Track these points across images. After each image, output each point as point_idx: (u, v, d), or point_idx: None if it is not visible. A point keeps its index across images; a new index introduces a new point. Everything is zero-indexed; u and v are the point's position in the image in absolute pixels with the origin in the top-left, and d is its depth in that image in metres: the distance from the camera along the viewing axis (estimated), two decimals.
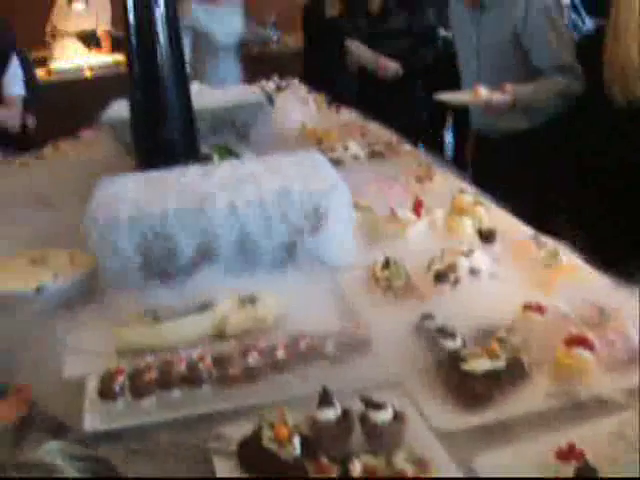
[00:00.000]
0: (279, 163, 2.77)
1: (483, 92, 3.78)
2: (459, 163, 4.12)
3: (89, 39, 8.68)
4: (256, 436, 1.66)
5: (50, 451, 1.44)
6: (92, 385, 1.97)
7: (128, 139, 3.38)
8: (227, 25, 6.54)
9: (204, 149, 3.46)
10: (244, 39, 6.76)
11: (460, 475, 1.59)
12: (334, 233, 2.54)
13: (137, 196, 2.52)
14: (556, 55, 3.85)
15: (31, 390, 1.95)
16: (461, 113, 4.49)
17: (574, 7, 4.56)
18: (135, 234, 2.38)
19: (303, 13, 6.78)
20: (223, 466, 1.68)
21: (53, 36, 8.86)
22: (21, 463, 1.40)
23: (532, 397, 1.85)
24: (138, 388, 1.90)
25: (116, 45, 8.77)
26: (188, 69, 6.34)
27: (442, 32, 5.28)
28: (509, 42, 3.95)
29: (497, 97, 3.79)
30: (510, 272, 2.44)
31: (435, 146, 4.14)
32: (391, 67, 5.15)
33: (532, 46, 3.88)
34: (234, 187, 2.50)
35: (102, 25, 8.72)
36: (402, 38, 5.14)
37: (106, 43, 8.76)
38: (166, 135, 3.15)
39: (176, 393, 1.92)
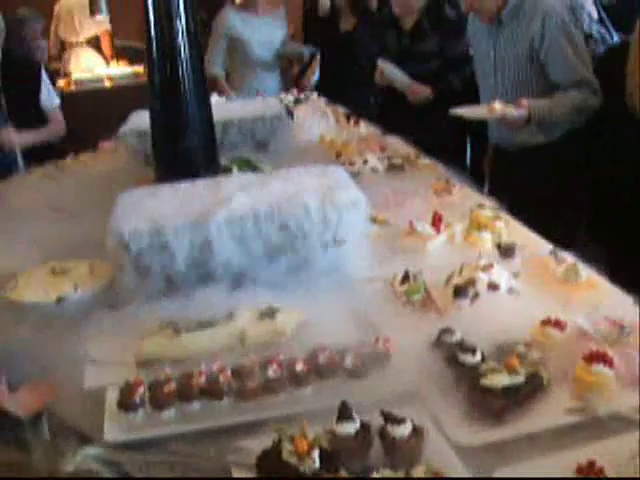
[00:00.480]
0: (298, 176, 2.78)
1: (498, 107, 3.78)
2: (477, 177, 4.09)
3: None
4: (276, 449, 1.66)
5: (87, 457, 1.45)
6: (112, 396, 1.98)
7: (148, 150, 3.40)
8: (264, 36, 6.54)
9: (224, 161, 3.47)
10: (282, 53, 6.76)
11: None
12: (353, 246, 2.54)
13: (158, 209, 2.53)
14: (573, 70, 3.85)
15: (53, 388, 1.97)
16: (478, 127, 4.47)
17: (601, 21, 4.54)
18: (155, 246, 2.39)
19: (319, 27, 6.77)
20: (242, 479, 1.68)
21: (63, 48, 8.96)
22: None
23: (551, 413, 1.85)
24: (158, 400, 1.91)
25: (120, 53, 8.88)
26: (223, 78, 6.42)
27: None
28: (526, 57, 3.95)
29: (512, 112, 3.80)
30: (529, 287, 2.45)
31: (455, 161, 4.10)
32: (423, 92, 5.13)
33: (549, 61, 3.88)
34: (254, 200, 2.51)
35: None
36: (432, 61, 5.12)
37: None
38: (186, 147, 3.16)
39: (196, 405, 1.93)
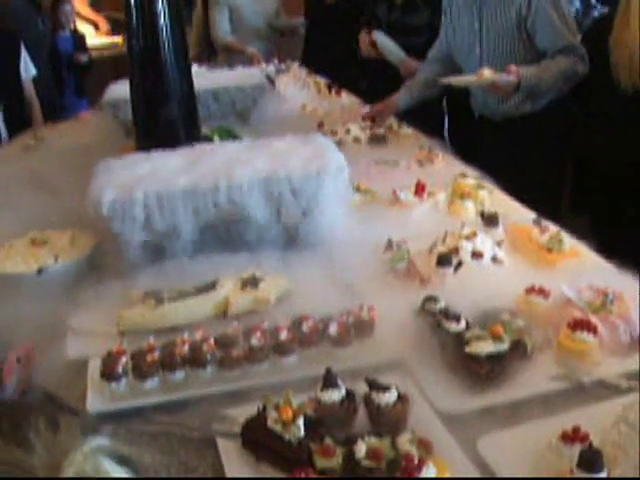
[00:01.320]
0: (280, 144, 2.75)
1: (487, 73, 3.75)
2: (457, 146, 4.07)
3: None
4: (260, 417, 1.65)
5: (91, 450, 1.43)
6: (95, 366, 1.97)
7: (128, 121, 3.37)
8: (258, 4, 6.52)
9: (205, 131, 3.44)
10: (275, 25, 6.72)
11: (464, 456, 1.59)
12: (336, 214, 2.53)
13: (138, 177, 2.50)
14: (560, 36, 3.82)
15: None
16: (458, 97, 4.44)
17: None
18: (137, 215, 2.37)
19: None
20: (227, 447, 1.67)
21: None
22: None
23: (535, 380, 1.85)
24: (141, 369, 1.90)
25: None
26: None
27: None
28: (513, 26, 3.91)
29: (502, 78, 3.77)
30: (513, 256, 2.45)
31: (434, 131, 4.09)
32: (415, 68, 5.09)
33: (536, 28, 3.85)
34: (234, 168, 2.48)
35: None
36: (423, 34, 5.07)
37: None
38: (167, 116, 3.13)
39: (179, 374, 1.91)
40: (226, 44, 6.45)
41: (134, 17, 3.00)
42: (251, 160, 2.56)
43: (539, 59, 3.84)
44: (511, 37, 3.93)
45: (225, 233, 2.46)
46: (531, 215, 2.72)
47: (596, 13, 4.68)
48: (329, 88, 5.10)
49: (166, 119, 3.14)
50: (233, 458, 1.65)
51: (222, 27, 6.47)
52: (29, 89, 5.54)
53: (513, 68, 3.68)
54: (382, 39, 5.06)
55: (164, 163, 2.62)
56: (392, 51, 5.02)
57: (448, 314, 1.96)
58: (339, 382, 1.70)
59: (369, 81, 5.42)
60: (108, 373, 1.89)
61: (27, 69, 5.48)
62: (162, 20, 2.99)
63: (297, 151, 2.64)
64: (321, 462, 1.55)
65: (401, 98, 4.29)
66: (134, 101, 3.19)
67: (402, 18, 5.13)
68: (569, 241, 2.47)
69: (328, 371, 1.71)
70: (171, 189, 2.39)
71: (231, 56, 6.33)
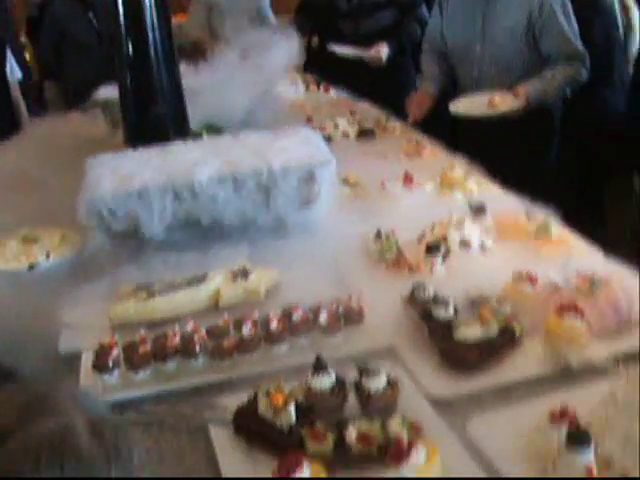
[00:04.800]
0: (269, 137, 2.77)
1: (498, 100, 3.77)
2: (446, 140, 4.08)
3: None
4: (252, 404, 1.67)
5: None
6: (87, 359, 1.98)
7: (117, 119, 3.38)
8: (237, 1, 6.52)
9: (193, 128, 3.45)
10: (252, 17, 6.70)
11: (454, 439, 1.60)
12: (325, 206, 2.55)
13: (129, 173, 2.52)
14: (567, 42, 3.85)
15: None
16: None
17: None
18: (127, 210, 2.39)
19: None
20: (219, 435, 1.69)
21: None
22: None
23: (524, 364, 1.87)
24: (133, 360, 1.91)
25: None
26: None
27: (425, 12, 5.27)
28: (521, 28, 3.90)
29: (512, 106, 3.77)
30: (501, 244, 2.47)
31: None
32: (380, 54, 5.12)
33: (544, 32, 3.86)
34: (225, 161, 2.50)
35: None
36: (386, 10, 5.10)
37: None
38: (156, 114, 3.13)
39: (171, 365, 1.93)
40: (192, 38, 6.39)
41: (121, 16, 3.00)
42: (236, 153, 2.58)
43: (541, 60, 3.86)
44: (517, 39, 3.93)
45: (214, 226, 2.47)
46: (519, 204, 2.73)
47: None
48: (317, 84, 5.11)
49: (155, 117, 3.14)
50: (225, 445, 1.66)
51: (192, 22, 6.46)
52: (15, 92, 5.55)
53: (521, 91, 3.71)
54: (335, 49, 5.12)
55: (158, 158, 2.64)
56: (349, 53, 5.07)
57: (437, 301, 1.98)
58: (329, 369, 1.71)
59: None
60: (100, 365, 1.90)
61: (13, 72, 5.49)
62: (151, 19, 2.99)
63: (285, 143, 2.66)
64: (312, 447, 1.57)
65: (429, 86, 4.31)
66: (123, 100, 3.20)
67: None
68: (557, 229, 2.49)
69: (318, 358, 1.73)
70: (158, 183, 2.40)
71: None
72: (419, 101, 4.25)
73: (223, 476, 1.58)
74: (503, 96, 3.83)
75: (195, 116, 3.34)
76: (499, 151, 3.78)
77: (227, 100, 3.54)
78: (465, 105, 3.95)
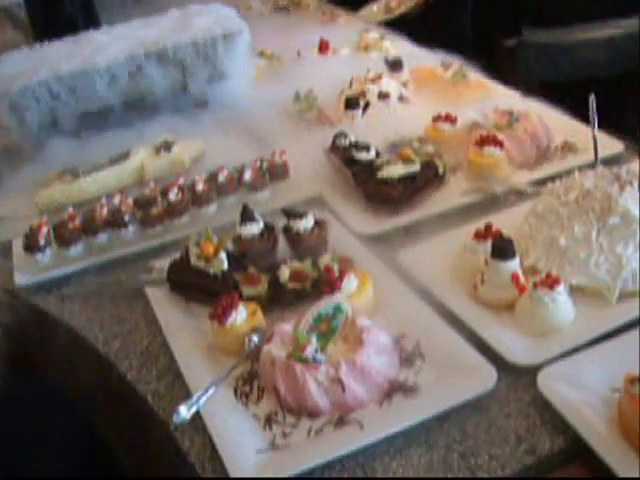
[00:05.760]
0: (181, 14, 2.72)
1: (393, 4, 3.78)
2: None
3: None
4: (184, 258, 1.68)
5: None
6: (18, 243, 1.97)
7: (24, 22, 3.31)
8: None
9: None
10: None
11: (384, 268, 1.64)
12: (243, 77, 2.54)
13: (39, 62, 2.47)
14: None
15: None
16: None
17: None
18: (41, 98, 2.35)
19: None
20: (156, 294, 1.71)
21: None
22: None
23: (449, 197, 1.91)
24: (63, 237, 1.91)
25: None
26: None
27: None
28: None
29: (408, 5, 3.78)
30: (419, 94, 2.49)
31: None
32: None
33: None
34: (140, 41, 2.47)
35: None
36: None
37: None
38: (65, 11, 3.07)
39: (102, 237, 1.93)
40: None
41: None
42: (149, 34, 2.54)
43: None
44: None
45: (133, 106, 2.45)
46: (436, 58, 2.73)
47: None
48: None
49: (64, 15, 3.07)
50: (163, 303, 1.68)
51: None
52: None
53: None
54: None
55: (67, 46, 2.59)
56: None
57: (358, 146, 1.99)
58: (257, 216, 1.73)
59: None
60: (31, 245, 1.90)
61: None
62: None
63: (197, 20, 2.63)
64: (247, 291, 1.59)
65: None
66: (28, 2, 3.12)
67: None
68: (473, 74, 2.51)
69: (245, 207, 1.74)
70: (69, 69, 2.37)
71: None
72: None
73: (164, 332, 1.60)
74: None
75: None
76: None
77: None
78: (367, 12, 3.96)
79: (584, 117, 2.00)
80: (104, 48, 2.47)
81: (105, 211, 1.94)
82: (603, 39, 3.65)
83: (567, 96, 2.18)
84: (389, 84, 2.44)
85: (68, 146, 2.37)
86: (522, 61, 3.78)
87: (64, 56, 2.47)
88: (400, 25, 3.17)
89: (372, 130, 2.20)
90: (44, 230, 1.92)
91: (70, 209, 1.99)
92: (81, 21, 3.13)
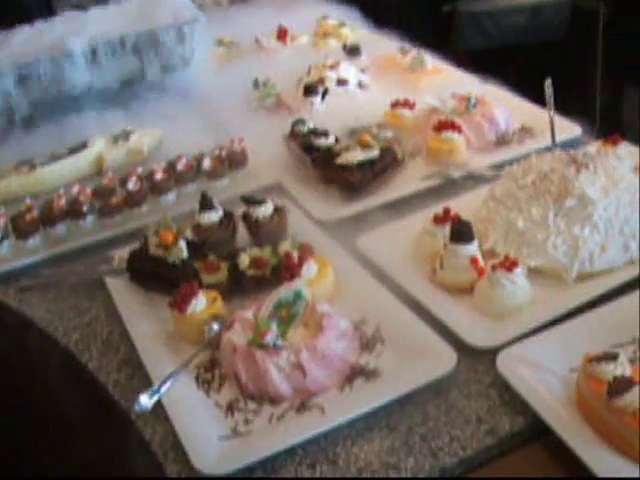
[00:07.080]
0: (138, 7, 2.70)
1: None
2: None
3: None
4: (143, 248, 1.67)
5: None
6: None
7: None
8: None
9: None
10: None
11: (344, 253, 1.64)
12: (201, 65, 2.52)
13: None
14: None
15: None
16: None
17: None
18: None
19: None
20: (115, 284, 1.69)
21: None
22: None
23: (408, 182, 1.92)
24: (21, 229, 1.89)
25: None
26: None
27: None
28: None
29: None
30: (378, 80, 2.50)
31: None
32: None
33: None
34: (87, 28, 2.45)
35: None
36: None
37: None
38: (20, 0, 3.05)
39: (60, 228, 1.92)
40: None
41: None
42: (107, 21, 2.52)
43: None
44: None
45: (91, 94, 2.43)
46: (395, 44, 2.74)
47: None
48: None
49: (19, 5, 3.05)
50: (122, 293, 1.67)
51: None
52: None
53: None
54: None
55: (19, 35, 2.56)
56: None
57: (316, 132, 1.99)
58: (216, 204, 1.73)
59: None
60: None
61: None
62: None
63: (153, 10, 2.61)
64: (207, 278, 1.59)
65: None
66: None
67: None
68: (431, 60, 2.52)
69: (204, 195, 1.74)
70: (27, 59, 2.35)
71: None
72: None
73: (124, 322, 1.59)
74: None
75: None
76: None
77: None
78: None
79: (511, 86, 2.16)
80: (59, 37, 2.43)
81: (63, 201, 1.93)
82: (528, 5, 4.03)
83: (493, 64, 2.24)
84: (348, 70, 2.44)
85: (23, 137, 2.34)
86: (457, 29, 4.09)
87: (19, 45, 2.45)
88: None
89: (331, 116, 2.21)
90: (1, 222, 1.90)
91: (28, 200, 1.97)
92: (35, 10, 3.11)
